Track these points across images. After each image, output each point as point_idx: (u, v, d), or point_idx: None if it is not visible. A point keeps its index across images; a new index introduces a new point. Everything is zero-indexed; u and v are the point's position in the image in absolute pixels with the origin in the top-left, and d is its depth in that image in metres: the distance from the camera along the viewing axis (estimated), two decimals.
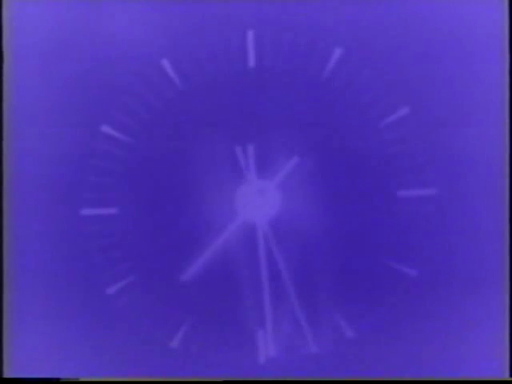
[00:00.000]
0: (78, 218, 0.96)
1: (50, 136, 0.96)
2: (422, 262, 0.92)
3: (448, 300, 0.92)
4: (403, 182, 0.93)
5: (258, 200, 0.94)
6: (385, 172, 0.93)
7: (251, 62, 0.95)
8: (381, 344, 0.93)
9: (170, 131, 0.96)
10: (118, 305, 0.95)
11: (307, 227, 0.94)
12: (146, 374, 0.95)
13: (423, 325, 0.93)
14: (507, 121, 0.93)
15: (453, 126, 0.93)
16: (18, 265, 0.96)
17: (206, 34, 0.96)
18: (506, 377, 0.92)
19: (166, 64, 0.96)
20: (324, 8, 0.95)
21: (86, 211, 0.96)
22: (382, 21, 0.94)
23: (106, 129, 0.96)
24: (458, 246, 0.92)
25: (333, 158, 0.94)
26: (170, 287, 0.95)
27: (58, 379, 0.95)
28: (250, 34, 0.95)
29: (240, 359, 0.94)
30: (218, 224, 0.95)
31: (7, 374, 0.97)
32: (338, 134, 0.94)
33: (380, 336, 0.93)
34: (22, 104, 0.97)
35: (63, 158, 0.96)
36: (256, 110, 0.95)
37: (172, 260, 0.95)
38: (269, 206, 0.94)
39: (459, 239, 0.92)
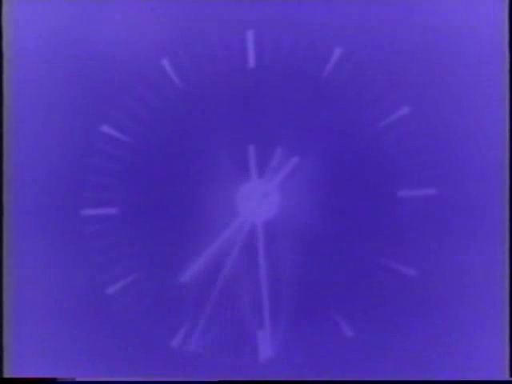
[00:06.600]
0: (78, 218, 0.96)
1: (50, 136, 0.96)
2: (421, 261, 0.92)
3: (447, 300, 0.92)
4: (403, 182, 0.93)
5: (258, 200, 0.94)
6: (385, 172, 0.93)
7: (251, 61, 0.95)
8: (380, 344, 0.93)
9: (170, 131, 0.96)
10: (118, 305, 0.96)
11: (307, 227, 0.94)
12: (146, 374, 0.95)
13: (422, 325, 0.93)
14: (507, 121, 0.93)
15: (453, 125, 0.93)
16: (18, 265, 0.96)
17: (206, 34, 0.96)
18: (506, 377, 0.92)
19: (166, 64, 0.96)
20: (324, 8, 0.95)
21: (86, 211, 0.96)
22: (382, 21, 0.94)
23: (105, 129, 0.96)
24: (457, 246, 0.92)
25: (333, 158, 0.94)
26: (169, 287, 0.95)
27: (58, 379, 0.95)
28: (250, 34, 0.95)
29: (240, 359, 0.94)
30: (218, 224, 0.95)
31: (7, 374, 0.97)
32: (338, 134, 0.94)
33: (379, 336, 0.93)
34: (22, 104, 0.97)
35: (63, 158, 0.97)
36: (256, 110, 0.95)
37: (172, 260, 0.95)
38: (269, 206, 0.94)
39: (459, 239, 0.92)
